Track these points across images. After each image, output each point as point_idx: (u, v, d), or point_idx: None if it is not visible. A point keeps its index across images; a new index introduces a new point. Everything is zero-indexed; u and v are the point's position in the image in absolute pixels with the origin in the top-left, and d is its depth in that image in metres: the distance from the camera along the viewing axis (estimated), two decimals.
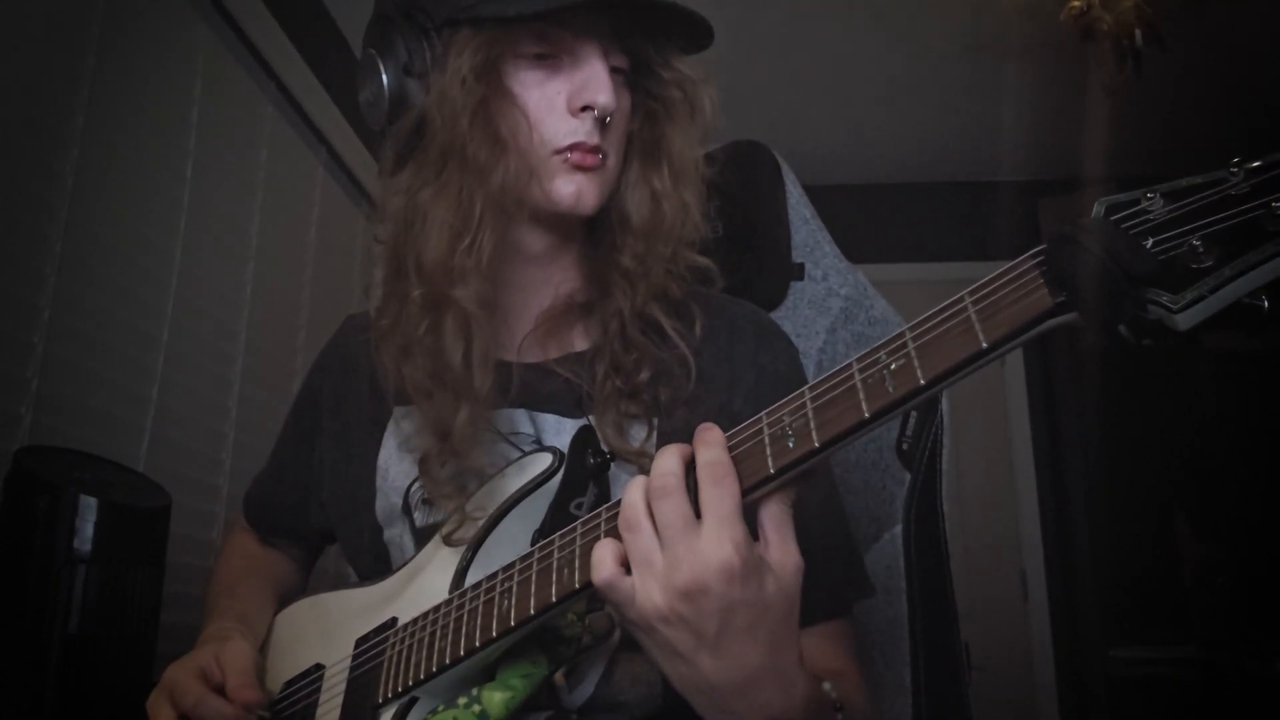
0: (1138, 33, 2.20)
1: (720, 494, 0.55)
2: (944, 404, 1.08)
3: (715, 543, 0.54)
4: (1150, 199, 0.49)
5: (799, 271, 1.16)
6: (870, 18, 2.76)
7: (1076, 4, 2.31)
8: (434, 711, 0.73)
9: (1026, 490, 3.56)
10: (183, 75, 1.76)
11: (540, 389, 0.86)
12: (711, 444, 0.57)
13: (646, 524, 0.57)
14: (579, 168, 0.82)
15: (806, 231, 1.16)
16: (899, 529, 1.06)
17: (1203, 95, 3.04)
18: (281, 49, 2.09)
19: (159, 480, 1.33)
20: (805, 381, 0.89)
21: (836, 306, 1.14)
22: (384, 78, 0.83)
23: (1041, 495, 3.55)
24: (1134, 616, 3.25)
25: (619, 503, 0.64)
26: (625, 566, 0.58)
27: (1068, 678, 3.35)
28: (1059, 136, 3.10)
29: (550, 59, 0.82)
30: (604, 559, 0.58)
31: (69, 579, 1.08)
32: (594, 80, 0.80)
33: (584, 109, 0.81)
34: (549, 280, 0.90)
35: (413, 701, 0.74)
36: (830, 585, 0.78)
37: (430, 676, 0.72)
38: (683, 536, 0.55)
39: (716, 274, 0.88)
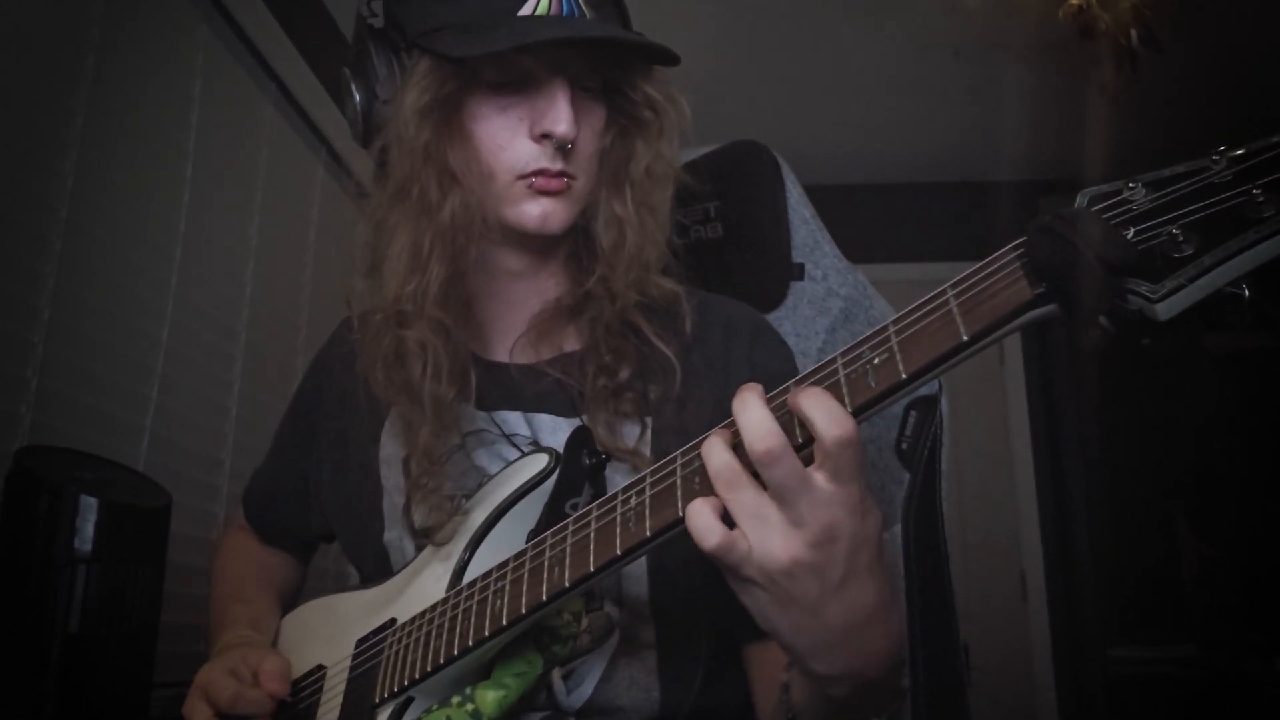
0: (1133, 33, 2.20)
1: (847, 443, 0.52)
2: (943, 404, 1.08)
3: (839, 486, 0.52)
4: (1132, 189, 0.49)
5: (799, 271, 1.16)
6: (869, 17, 2.76)
7: (1075, 1, 2.30)
8: (428, 710, 0.73)
9: (1026, 490, 3.56)
10: (183, 75, 1.76)
11: (533, 390, 0.87)
12: (823, 396, 0.53)
13: (748, 480, 0.54)
14: (542, 192, 0.82)
15: (806, 231, 1.16)
16: (898, 529, 1.06)
17: (1202, 95, 3.04)
18: (281, 49, 2.09)
19: (159, 480, 1.33)
20: None
21: (836, 306, 1.14)
22: (356, 98, 0.85)
23: (1041, 495, 3.55)
24: (1133, 616, 3.25)
25: (611, 497, 0.64)
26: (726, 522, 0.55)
27: (1067, 678, 3.35)
28: (1058, 136, 3.10)
29: (512, 84, 0.82)
30: (708, 525, 0.54)
31: (69, 579, 1.08)
32: (553, 109, 0.80)
33: (544, 136, 0.81)
34: (535, 288, 0.90)
35: (409, 701, 0.75)
36: None
37: (425, 676, 0.73)
38: (802, 493, 0.52)
39: (684, 295, 0.88)
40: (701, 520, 0.54)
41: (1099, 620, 3.28)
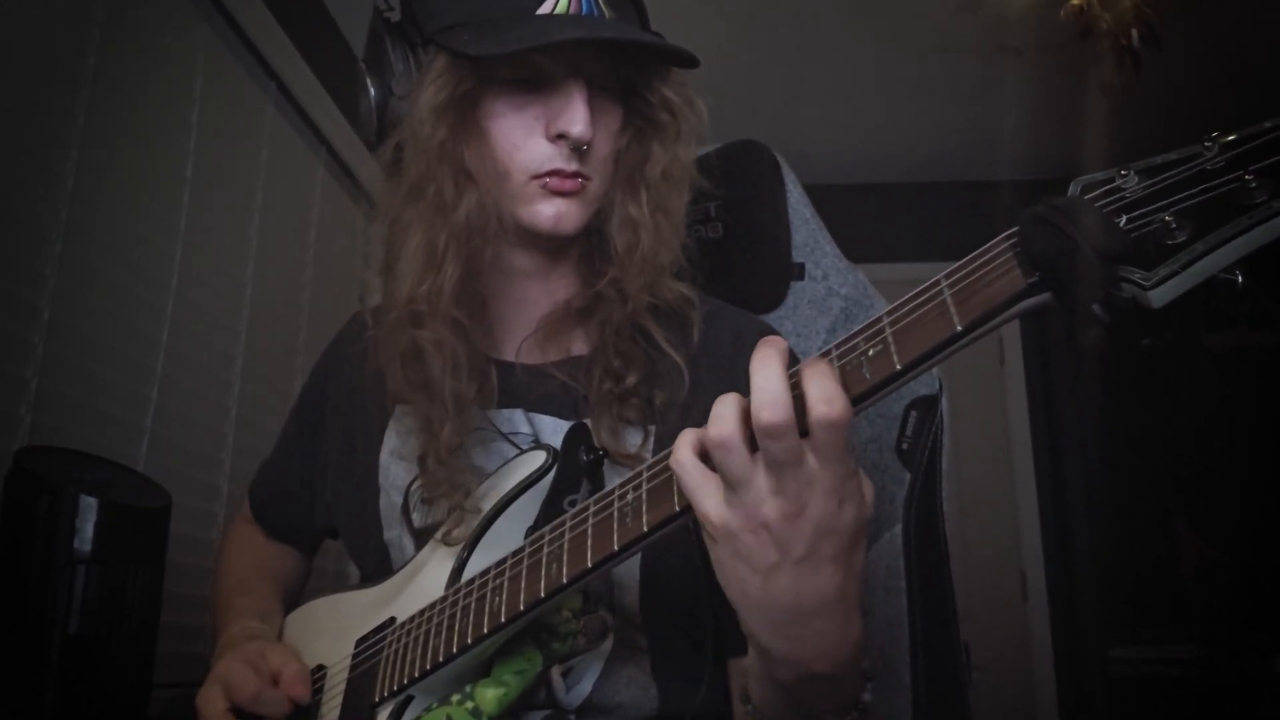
0: (1134, 32, 2.20)
1: (833, 426, 0.52)
2: (944, 404, 1.08)
3: (820, 466, 0.52)
4: (1125, 176, 0.49)
5: (799, 271, 1.16)
6: (870, 17, 2.76)
7: (1076, 1, 2.31)
8: (428, 709, 0.73)
9: (1026, 490, 3.56)
10: (183, 75, 1.76)
11: (538, 390, 0.86)
12: (825, 375, 0.53)
13: (742, 447, 0.53)
14: (557, 193, 0.81)
15: (806, 231, 1.16)
16: (899, 528, 1.06)
17: (1202, 94, 3.04)
18: (282, 49, 2.09)
19: (159, 480, 1.33)
20: None
21: (837, 306, 1.14)
22: (371, 93, 0.84)
23: (1041, 495, 3.55)
24: (1133, 616, 3.25)
25: (609, 493, 0.64)
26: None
27: (1067, 677, 3.35)
28: (1059, 136, 3.10)
29: (529, 83, 0.81)
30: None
31: (69, 579, 1.08)
32: (570, 110, 0.79)
33: (560, 137, 0.80)
34: (546, 289, 0.90)
35: (409, 699, 0.75)
36: None
37: (425, 674, 0.73)
38: (792, 467, 0.52)
39: (696, 301, 0.88)
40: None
41: (1099, 619, 3.28)
